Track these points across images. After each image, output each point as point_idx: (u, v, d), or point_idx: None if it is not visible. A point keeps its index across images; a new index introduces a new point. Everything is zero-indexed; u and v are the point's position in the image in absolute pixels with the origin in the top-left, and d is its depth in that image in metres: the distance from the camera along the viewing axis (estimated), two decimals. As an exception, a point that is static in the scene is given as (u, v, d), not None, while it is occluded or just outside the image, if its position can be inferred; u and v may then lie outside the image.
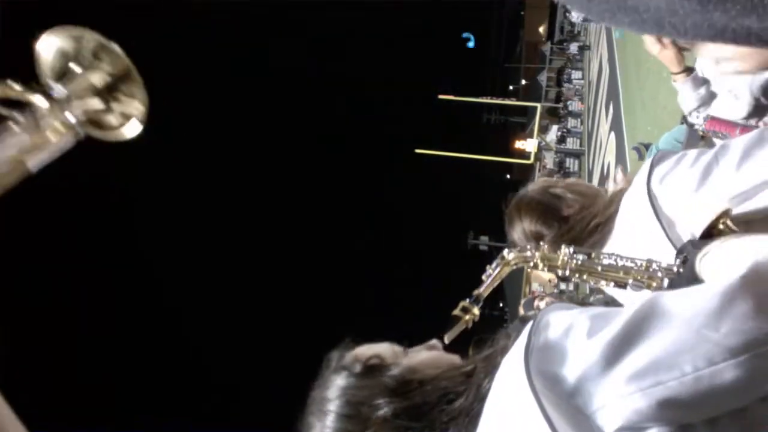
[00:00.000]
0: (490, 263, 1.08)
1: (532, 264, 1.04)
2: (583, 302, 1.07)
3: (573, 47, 30.43)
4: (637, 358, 0.71)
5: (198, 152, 35.08)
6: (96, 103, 0.72)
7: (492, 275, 1.06)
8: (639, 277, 0.98)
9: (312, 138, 39.98)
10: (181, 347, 28.89)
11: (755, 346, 0.70)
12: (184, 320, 30.20)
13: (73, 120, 0.69)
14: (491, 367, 0.85)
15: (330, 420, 0.91)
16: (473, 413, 0.84)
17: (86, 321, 27.20)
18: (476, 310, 1.02)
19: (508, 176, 38.98)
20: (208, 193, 34.72)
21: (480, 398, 0.84)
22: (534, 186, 1.66)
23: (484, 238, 35.43)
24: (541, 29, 43.29)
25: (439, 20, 43.16)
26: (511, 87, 42.21)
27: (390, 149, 38.75)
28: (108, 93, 0.72)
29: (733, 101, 1.98)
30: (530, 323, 0.81)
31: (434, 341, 1.02)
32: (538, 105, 27.65)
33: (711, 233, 0.98)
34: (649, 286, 0.97)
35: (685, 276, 0.95)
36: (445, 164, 30.80)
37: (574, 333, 0.77)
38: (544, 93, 33.30)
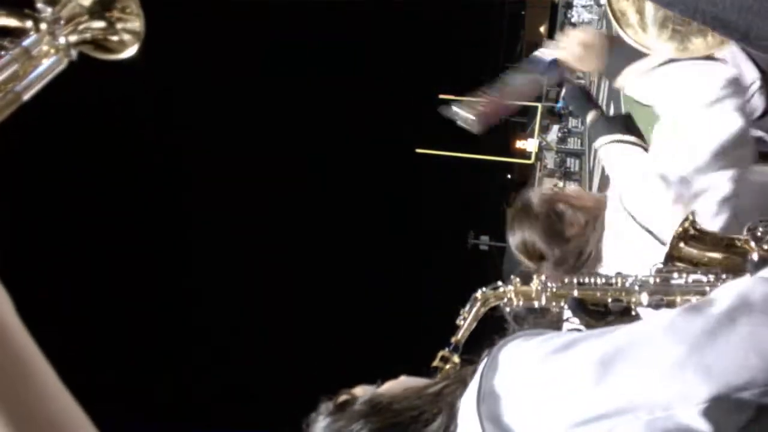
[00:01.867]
0: (464, 306, 1.06)
1: (506, 300, 1.02)
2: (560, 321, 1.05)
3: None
4: (594, 405, 0.69)
5: (194, 156, 35.09)
6: (94, 23, 0.70)
7: (467, 318, 1.04)
8: (617, 295, 0.96)
9: (312, 138, 39.96)
10: (180, 341, 28.90)
11: (725, 393, 0.66)
12: (181, 312, 30.21)
13: (63, 42, 0.66)
14: (464, 387, 0.84)
15: None
16: None
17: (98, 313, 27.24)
18: (456, 359, 1.01)
19: (509, 176, 38.94)
20: (205, 194, 34.73)
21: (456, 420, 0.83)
22: (537, 197, 1.64)
23: (485, 238, 35.39)
24: (542, 29, 43.25)
25: (439, 20, 43.14)
26: (511, 87, 42.12)
27: (390, 149, 38.75)
28: (103, 11, 0.70)
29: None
30: (484, 359, 0.79)
31: (402, 376, 1.03)
32: (539, 105, 27.62)
33: (679, 244, 0.96)
34: (628, 303, 0.95)
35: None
36: (445, 164, 30.77)
37: (524, 376, 0.74)
38: (545, 93, 33.26)
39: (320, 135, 40.07)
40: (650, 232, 1.26)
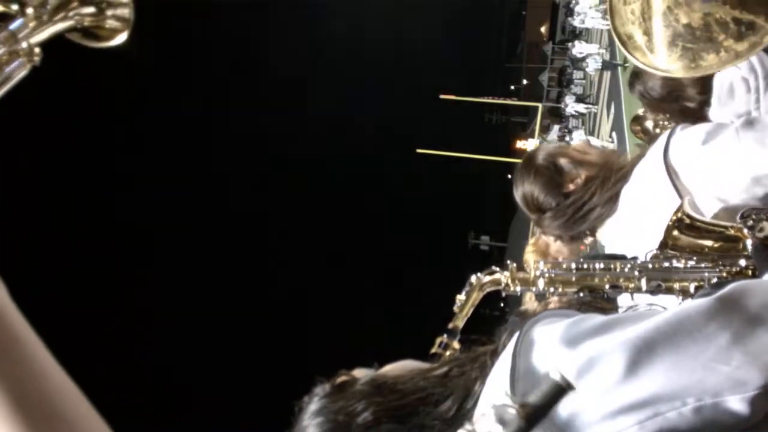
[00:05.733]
0: (460, 291, 1.05)
1: (503, 286, 1.00)
2: (584, 304, 1.04)
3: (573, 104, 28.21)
4: (638, 390, 0.69)
5: (185, 151, 35.11)
6: (84, 9, 0.68)
7: (464, 304, 1.02)
8: (615, 281, 0.95)
9: (313, 138, 39.97)
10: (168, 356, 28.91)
11: None
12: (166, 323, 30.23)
13: (26, 46, 0.62)
14: (481, 369, 0.83)
15: None
16: (468, 417, 0.80)
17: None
18: (456, 344, 1.00)
19: (510, 176, 38.90)
20: (204, 194, 34.74)
21: (474, 401, 0.81)
22: (542, 152, 1.66)
23: (485, 238, 35.49)
24: (543, 29, 43.24)
25: (440, 20, 43.13)
26: (512, 87, 42.17)
27: (391, 149, 38.74)
28: None
29: None
30: (515, 338, 0.77)
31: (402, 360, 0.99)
32: (540, 105, 27.62)
33: (674, 232, 0.96)
34: (627, 288, 0.94)
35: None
36: (446, 164, 30.75)
37: (563, 356, 0.73)
38: (546, 93, 33.28)
39: (321, 135, 40.08)
40: (678, 191, 1.23)
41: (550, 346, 0.74)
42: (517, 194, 1.66)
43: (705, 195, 1.24)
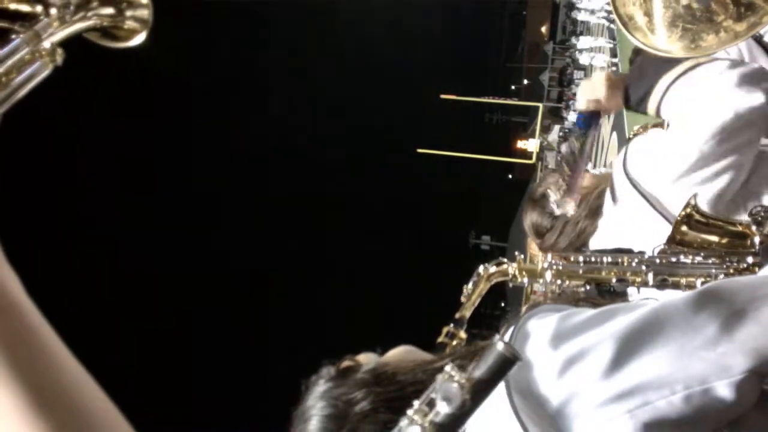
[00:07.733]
0: (467, 283, 1.06)
1: (510, 277, 1.02)
2: (580, 300, 1.05)
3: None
4: (626, 379, 0.70)
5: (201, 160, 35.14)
6: (103, 10, 0.69)
7: (471, 294, 1.04)
8: (622, 274, 0.96)
9: (313, 138, 40.03)
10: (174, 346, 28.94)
11: (759, 365, 0.69)
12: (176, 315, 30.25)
13: (49, 46, 0.64)
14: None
15: (312, 424, 0.91)
16: None
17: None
18: (462, 334, 1.01)
19: (510, 176, 38.98)
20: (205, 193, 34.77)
21: None
22: (541, 185, 1.80)
23: (486, 238, 35.51)
24: (543, 29, 43.23)
25: (441, 20, 43.17)
26: (513, 87, 42.16)
27: (392, 149, 38.77)
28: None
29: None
30: (511, 329, 0.79)
31: (407, 345, 1.02)
32: (540, 105, 27.63)
33: (682, 227, 0.97)
34: (633, 282, 0.95)
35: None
36: (447, 164, 30.80)
37: (555, 348, 0.75)
38: (546, 93, 33.27)
39: (320, 135, 40.11)
40: (647, 200, 1.30)
41: (542, 339, 0.76)
42: (525, 225, 1.82)
43: (669, 197, 1.32)
